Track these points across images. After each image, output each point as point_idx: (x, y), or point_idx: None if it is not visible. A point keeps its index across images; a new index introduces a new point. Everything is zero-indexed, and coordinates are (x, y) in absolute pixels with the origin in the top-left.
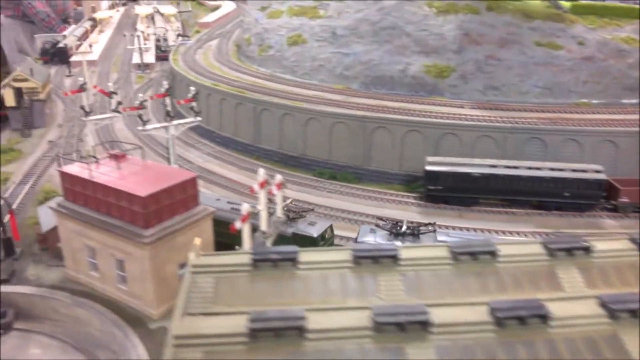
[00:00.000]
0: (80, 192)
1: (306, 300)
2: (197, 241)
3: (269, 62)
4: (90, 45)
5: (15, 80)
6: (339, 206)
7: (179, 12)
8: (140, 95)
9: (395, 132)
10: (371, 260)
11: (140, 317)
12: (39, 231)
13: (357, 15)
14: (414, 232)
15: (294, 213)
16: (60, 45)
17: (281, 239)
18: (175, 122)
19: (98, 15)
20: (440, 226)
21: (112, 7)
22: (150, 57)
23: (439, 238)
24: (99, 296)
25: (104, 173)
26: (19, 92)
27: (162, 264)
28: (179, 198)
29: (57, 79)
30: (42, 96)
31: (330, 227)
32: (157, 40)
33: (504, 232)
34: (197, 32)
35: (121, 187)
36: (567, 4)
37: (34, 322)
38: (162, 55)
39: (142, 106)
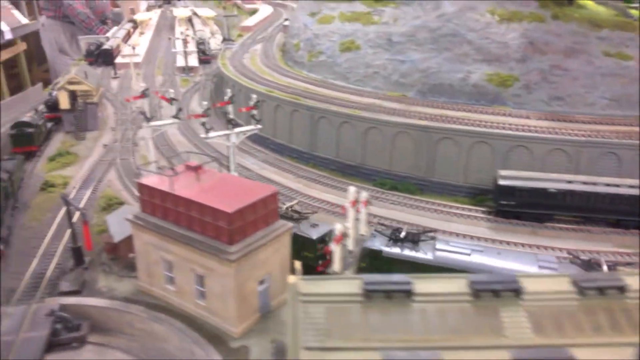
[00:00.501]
0: (159, 204)
1: (426, 338)
2: (298, 265)
3: (320, 68)
4: (134, 48)
5: (70, 83)
6: (404, 218)
7: (225, 16)
8: (205, 102)
9: (462, 143)
10: (491, 293)
11: (220, 335)
12: (107, 240)
13: (415, 22)
14: (414, 239)
15: (298, 214)
16: (106, 47)
17: None
18: (237, 130)
19: (138, 17)
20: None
21: (148, 9)
22: (193, 61)
23: (438, 246)
24: (175, 311)
25: (184, 186)
26: (73, 95)
27: (244, 281)
28: (261, 213)
29: (104, 81)
30: (95, 99)
31: (333, 230)
32: (200, 43)
33: (583, 252)
34: (240, 35)
35: (205, 202)
36: (637, 12)
37: (109, 336)
38: (204, 58)
39: (205, 114)
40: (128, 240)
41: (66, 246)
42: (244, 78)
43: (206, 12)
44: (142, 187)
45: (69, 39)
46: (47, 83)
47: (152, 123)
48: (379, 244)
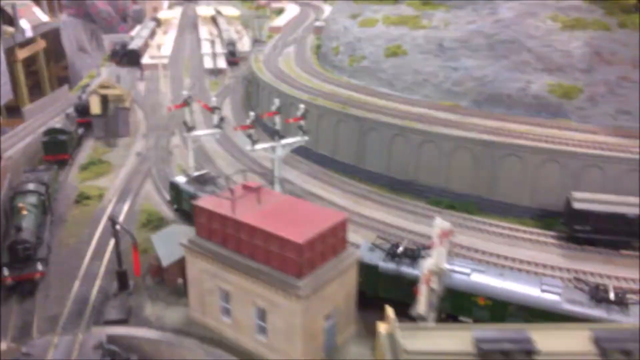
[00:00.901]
0: (218, 229)
1: None
2: (390, 312)
3: (362, 74)
4: (159, 48)
5: (102, 87)
6: (464, 242)
7: (257, 17)
8: (252, 113)
9: (528, 161)
10: (620, 353)
11: None
12: (153, 262)
13: (469, 26)
14: (412, 255)
15: None
16: (131, 47)
17: None
18: (284, 142)
19: (161, 15)
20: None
21: (169, 7)
22: (222, 62)
23: None
24: (231, 346)
25: (245, 210)
26: (104, 100)
27: (312, 318)
28: (330, 242)
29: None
30: (127, 104)
31: None
32: (229, 44)
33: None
34: (269, 36)
35: (272, 230)
36: None
37: None
38: (232, 60)
39: (252, 125)
40: (176, 264)
41: (107, 267)
42: (282, 84)
43: (230, 10)
44: (199, 210)
45: (89, 36)
46: (66, 81)
47: (194, 133)
48: (376, 259)
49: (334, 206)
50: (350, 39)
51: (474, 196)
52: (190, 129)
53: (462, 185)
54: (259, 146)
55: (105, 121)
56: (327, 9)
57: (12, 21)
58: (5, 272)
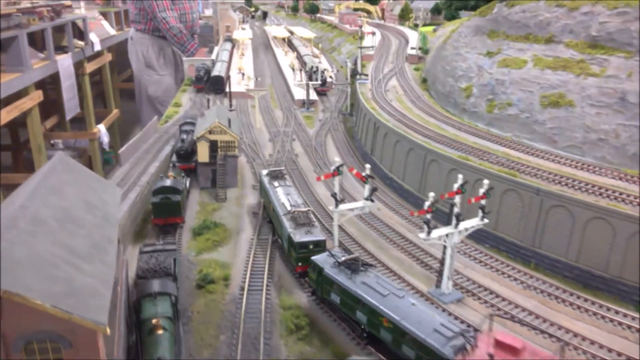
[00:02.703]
0: None
1: None
2: None
3: (508, 124)
4: (243, 74)
5: (211, 132)
6: None
7: (360, 47)
8: (432, 194)
9: None
10: None
11: None
12: None
13: None
14: (351, 268)
15: (308, 219)
16: (216, 73)
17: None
18: (463, 226)
19: (236, 36)
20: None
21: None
22: (313, 93)
23: (365, 279)
24: None
25: None
26: (213, 147)
27: None
28: None
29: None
30: (236, 151)
31: (322, 242)
32: (321, 72)
33: None
34: (362, 65)
35: None
36: None
37: None
38: (321, 90)
39: (431, 209)
40: None
41: None
42: (414, 133)
43: (304, 32)
44: None
45: (156, 52)
46: (131, 94)
47: (342, 207)
48: (325, 263)
49: (518, 310)
50: (488, 81)
51: None
52: (338, 202)
53: None
54: (435, 233)
55: (213, 170)
56: (408, 32)
57: (82, 35)
58: None
